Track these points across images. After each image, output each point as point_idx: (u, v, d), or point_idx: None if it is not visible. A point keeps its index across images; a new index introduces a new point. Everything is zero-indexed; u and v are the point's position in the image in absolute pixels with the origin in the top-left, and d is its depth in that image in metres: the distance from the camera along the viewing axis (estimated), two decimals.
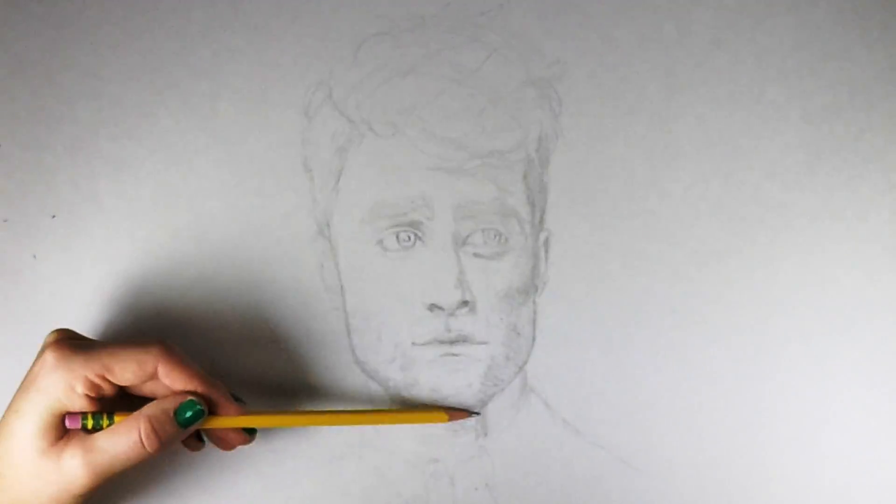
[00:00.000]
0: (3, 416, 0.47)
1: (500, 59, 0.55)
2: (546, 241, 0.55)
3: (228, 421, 0.49)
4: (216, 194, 0.55)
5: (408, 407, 0.53)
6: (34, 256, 0.54)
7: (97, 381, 0.46)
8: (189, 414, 0.47)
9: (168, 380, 0.48)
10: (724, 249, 0.55)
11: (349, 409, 0.54)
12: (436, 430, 0.55)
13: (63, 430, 0.47)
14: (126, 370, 0.47)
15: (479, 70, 0.55)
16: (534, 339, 0.55)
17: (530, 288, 0.55)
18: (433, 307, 0.54)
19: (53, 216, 0.55)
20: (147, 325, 0.54)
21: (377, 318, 0.54)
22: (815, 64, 0.56)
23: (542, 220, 0.55)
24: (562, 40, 0.56)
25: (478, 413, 0.54)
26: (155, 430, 0.47)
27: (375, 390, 0.55)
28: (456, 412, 0.53)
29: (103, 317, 0.54)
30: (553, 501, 0.55)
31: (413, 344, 0.54)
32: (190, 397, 0.48)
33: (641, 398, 0.55)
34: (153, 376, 0.48)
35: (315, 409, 0.53)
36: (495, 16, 0.55)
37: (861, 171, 0.55)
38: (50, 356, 0.46)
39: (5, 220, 0.54)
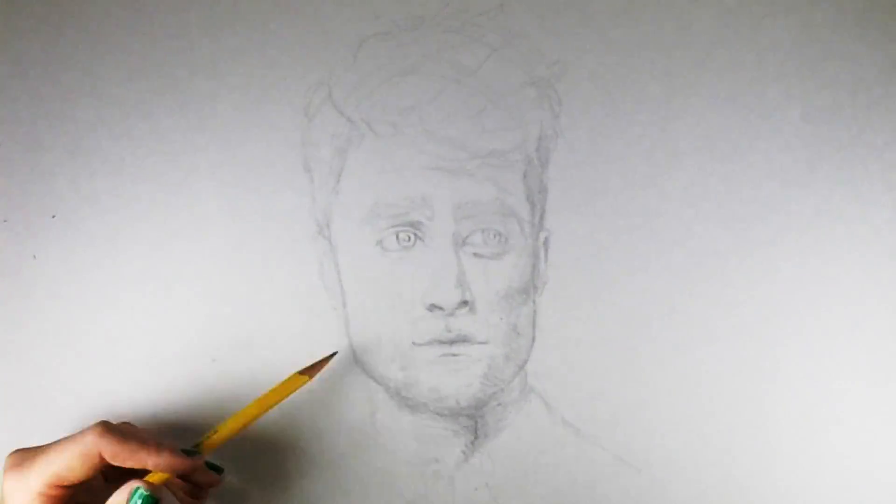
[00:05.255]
0: None
1: (500, 59, 0.55)
2: (546, 241, 0.55)
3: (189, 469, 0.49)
4: (216, 194, 0.55)
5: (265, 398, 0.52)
6: (34, 256, 0.54)
7: (54, 492, 0.46)
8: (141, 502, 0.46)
9: (117, 461, 0.47)
10: (724, 249, 0.55)
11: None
12: (435, 430, 0.55)
13: None
14: (74, 470, 0.46)
15: (479, 70, 0.55)
16: (534, 339, 0.55)
17: (530, 288, 0.55)
18: (433, 307, 0.54)
19: (53, 216, 0.55)
20: (146, 325, 0.54)
21: (377, 318, 0.54)
22: (815, 64, 0.56)
23: (541, 220, 0.55)
24: (562, 40, 0.56)
25: (334, 352, 0.54)
26: None
27: (375, 390, 0.55)
28: (315, 366, 0.53)
29: (103, 317, 0.54)
30: (553, 501, 0.55)
31: (413, 344, 0.54)
32: (138, 485, 0.46)
33: (641, 398, 0.55)
34: (105, 461, 0.47)
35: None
36: (495, 16, 0.55)
37: (861, 171, 0.55)
38: (8, 484, 0.47)
39: (5, 220, 0.54)
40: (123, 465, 0.47)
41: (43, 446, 0.48)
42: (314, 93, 0.55)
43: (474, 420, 0.55)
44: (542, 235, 0.55)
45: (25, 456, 0.48)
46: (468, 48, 0.55)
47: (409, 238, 0.54)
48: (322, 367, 0.53)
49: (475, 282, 0.54)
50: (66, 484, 0.47)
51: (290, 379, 0.52)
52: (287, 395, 0.51)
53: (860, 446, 0.55)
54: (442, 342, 0.54)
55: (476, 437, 0.55)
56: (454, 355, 0.54)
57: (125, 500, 0.46)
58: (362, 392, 0.54)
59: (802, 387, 0.55)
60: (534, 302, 0.55)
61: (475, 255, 0.54)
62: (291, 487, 0.54)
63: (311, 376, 0.52)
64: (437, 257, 0.54)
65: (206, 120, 0.55)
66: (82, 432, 0.47)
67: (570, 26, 0.56)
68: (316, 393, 0.54)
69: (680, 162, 0.55)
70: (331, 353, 0.53)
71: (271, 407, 0.51)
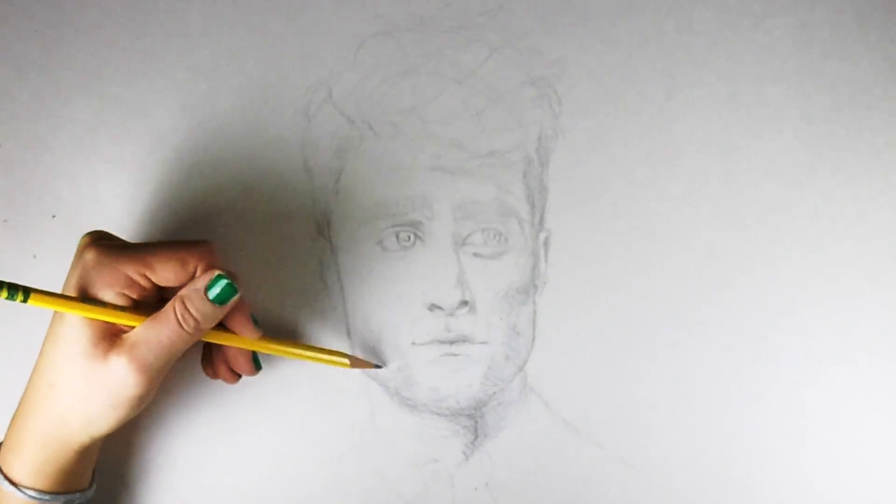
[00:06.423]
0: (50, 323, 0.47)
1: (500, 59, 0.55)
2: (546, 241, 0.55)
3: (243, 342, 0.49)
4: (216, 195, 0.55)
5: (313, 348, 0.52)
6: (34, 256, 0.54)
7: (138, 279, 0.46)
8: (219, 289, 0.46)
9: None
10: (724, 249, 0.55)
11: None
12: (435, 430, 0.55)
13: (107, 332, 0.46)
14: (167, 269, 0.46)
15: (479, 70, 0.55)
16: (534, 339, 0.55)
17: (530, 288, 0.55)
18: (433, 307, 0.54)
19: (53, 216, 0.55)
20: None
21: (377, 318, 0.54)
22: (815, 64, 0.56)
23: (541, 220, 0.55)
24: (562, 40, 0.56)
25: (380, 366, 0.54)
26: (188, 309, 0.46)
27: (375, 390, 0.55)
28: (360, 361, 0.53)
29: None
30: (553, 501, 0.55)
31: (413, 344, 0.54)
32: (219, 272, 0.46)
33: (641, 398, 0.55)
34: (193, 277, 0.47)
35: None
36: (495, 16, 0.55)
37: (861, 171, 0.55)
38: (89, 256, 0.46)
39: (5, 220, 0.54)
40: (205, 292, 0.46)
41: (137, 242, 0.48)
42: (314, 93, 0.55)
43: (474, 420, 0.55)
44: (542, 235, 0.55)
45: (112, 238, 0.48)
46: (468, 48, 0.55)
47: (409, 238, 0.54)
48: (363, 367, 0.53)
49: (475, 282, 0.54)
50: (151, 279, 0.46)
51: (336, 352, 0.52)
52: (322, 361, 0.52)
53: (860, 446, 0.55)
54: (442, 342, 0.54)
55: (476, 437, 0.55)
56: (454, 355, 0.54)
57: (206, 284, 0.46)
58: (362, 392, 0.54)
59: (802, 387, 0.55)
60: (534, 302, 0.55)
61: (475, 254, 0.54)
62: (291, 487, 0.54)
63: (351, 365, 0.52)
64: (437, 257, 0.54)
65: (206, 120, 0.55)
66: (191, 241, 0.47)
67: (570, 26, 0.56)
68: (315, 393, 0.54)
69: (680, 162, 0.55)
70: (377, 364, 0.54)
71: (300, 357, 0.51)
